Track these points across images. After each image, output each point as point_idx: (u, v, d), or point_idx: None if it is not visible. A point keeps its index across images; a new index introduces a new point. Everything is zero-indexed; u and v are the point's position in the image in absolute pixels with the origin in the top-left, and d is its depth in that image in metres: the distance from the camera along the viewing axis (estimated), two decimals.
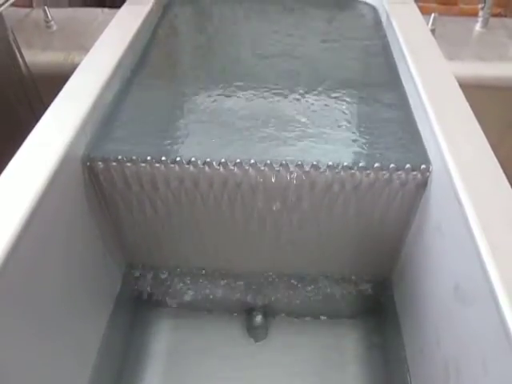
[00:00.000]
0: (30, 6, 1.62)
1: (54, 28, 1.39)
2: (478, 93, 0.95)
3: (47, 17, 1.38)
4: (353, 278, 0.76)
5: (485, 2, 1.33)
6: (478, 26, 1.38)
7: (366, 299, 0.77)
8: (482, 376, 0.44)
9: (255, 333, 0.80)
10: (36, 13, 1.45)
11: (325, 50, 0.85)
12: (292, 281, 0.77)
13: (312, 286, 0.77)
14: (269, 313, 0.81)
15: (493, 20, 1.38)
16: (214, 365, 0.77)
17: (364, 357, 0.77)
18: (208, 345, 0.79)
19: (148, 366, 0.77)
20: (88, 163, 0.61)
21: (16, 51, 0.94)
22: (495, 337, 0.41)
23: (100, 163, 0.61)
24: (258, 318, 0.79)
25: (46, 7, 1.39)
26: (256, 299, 0.79)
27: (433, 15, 1.28)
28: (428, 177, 0.59)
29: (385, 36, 0.87)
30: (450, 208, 0.53)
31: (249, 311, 0.81)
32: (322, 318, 0.81)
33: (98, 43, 0.78)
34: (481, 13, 1.37)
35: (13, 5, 1.50)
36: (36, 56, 1.22)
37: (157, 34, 0.91)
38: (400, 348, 0.68)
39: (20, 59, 0.98)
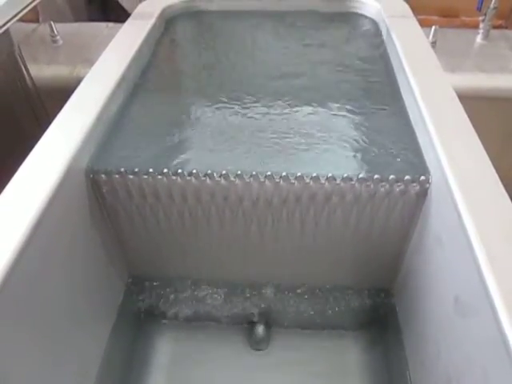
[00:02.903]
0: (37, 21, 1.66)
1: (60, 42, 1.41)
2: (479, 104, 0.95)
3: (53, 31, 1.40)
4: (354, 289, 0.76)
5: (485, 14, 1.34)
6: (478, 38, 1.39)
7: (368, 311, 0.76)
8: None
9: (257, 344, 0.80)
10: (42, 28, 1.47)
11: (325, 62, 0.86)
12: (293, 292, 0.77)
13: (313, 298, 0.77)
14: (270, 324, 0.81)
15: (494, 32, 1.39)
16: (217, 377, 0.77)
17: (366, 369, 0.76)
18: (210, 357, 0.79)
19: (150, 378, 0.77)
20: (91, 175, 0.62)
21: (22, 66, 0.96)
22: (495, 348, 0.41)
23: (103, 175, 0.62)
24: (260, 330, 0.79)
25: (52, 22, 1.42)
26: (257, 310, 0.79)
27: (433, 28, 1.29)
28: (428, 188, 0.59)
29: (385, 49, 0.88)
30: (449, 219, 0.53)
31: (250, 322, 0.81)
32: (324, 329, 0.80)
33: (102, 57, 0.80)
34: (481, 25, 1.38)
35: (20, 20, 1.53)
36: (42, 70, 1.24)
37: (160, 48, 0.92)
38: (402, 360, 0.68)
39: (26, 73, 0.99)
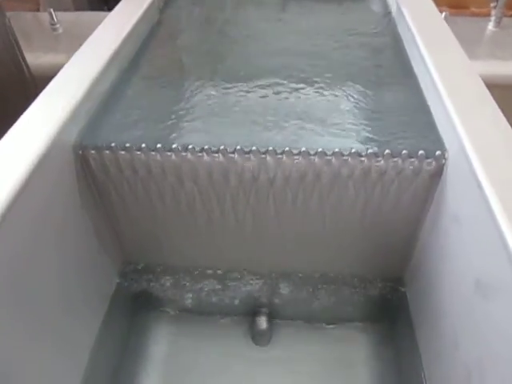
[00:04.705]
0: (37, 10, 1.64)
1: (60, 31, 1.39)
2: (491, 92, 0.91)
3: (53, 19, 1.38)
4: (362, 278, 0.71)
5: (497, 1, 1.30)
6: (490, 26, 1.36)
7: (377, 301, 0.72)
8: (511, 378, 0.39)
9: (259, 338, 0.76)
10: (42, 16, 1.46)
11: (333, 38, 0.82)
12: (297, 282, 0.72)
13: (318, 288, 0.72)
14: (273, 316, 0.76)
15: (506, 20, 1.36)
16: (216, 371, 0.73)
17: (375, 364, 0.71)
18: (209, 350, 0.75)
19: (145, 372, 0.73)
20: (80, 151, 0.58)
21: (17, 51, 0.92)
22: None
23: (92, 151, 0.58)
24: (262, 322, 0.75)
25: (51, 10, 1.39)
26: (259, 302, 0.75)
27: (444, 14, 1.25)
28: (444, 164, 0.54)
29: (395, 25, 0.83)
30: (469, 197, 0.48)
31: (252, 314, 0.76)
32: (329, 322, 0.76)
33: (97, 31, 0.76)
34: (493, 12, 1.34)
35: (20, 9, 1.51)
36: (40, 58, 1.21)
37: (158, 25, 0.88)
38: (415, 353, 0.63)
39: (21, 58, 0.96)
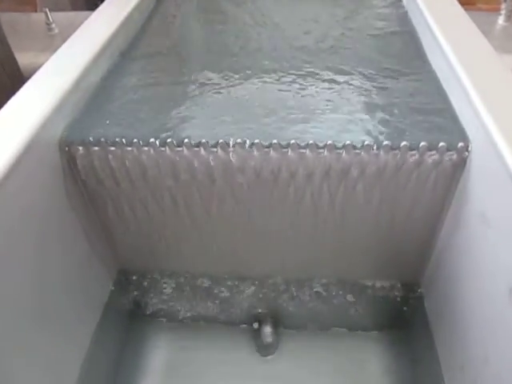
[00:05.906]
0: (35, 12, 1.61)
1: (56, 31, 1.37)
2: None
3: (48, 19, 1.36)
4: (375, 282, 0.67)
5: None
6: (500, 20, 1.33)
7: (392, 307, 0.67)
8: None
9: (263, 348, 0.71)
10: (38, 16, 1.43)
11: (341, 22, 0.78)
12: (305, 287, 0.68)
13: (328, 293, 0.68)
14: (279, 324, 0.72)
15: None
16: None
17: (391, 376, 0.66)
18: (211, 361, 0.71)
19: None
20: (66, 148, 0.53)
21: (4, 43, 0.88)
22: None
23: (80, 147, 0.53)
24: (267, 331, 0.70)
25: (47, 10, 1.37)
26: (264, 309, 0.71)
27: None
28: (467, 157, 0.49)
29: (406, 12, 0.79)
30: (499, 194, 0.44)
31: (256, 323, 0.72)
32: (340, 330, 0.71)
33: (89, 20, 0.72)
34: (503, 5, 1.32)
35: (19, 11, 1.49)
36: (35, 58, 1.18)
37: (154, 15, 0.84)
38: (434, 365, 0.58)
39: (9, 53, 0.92)
